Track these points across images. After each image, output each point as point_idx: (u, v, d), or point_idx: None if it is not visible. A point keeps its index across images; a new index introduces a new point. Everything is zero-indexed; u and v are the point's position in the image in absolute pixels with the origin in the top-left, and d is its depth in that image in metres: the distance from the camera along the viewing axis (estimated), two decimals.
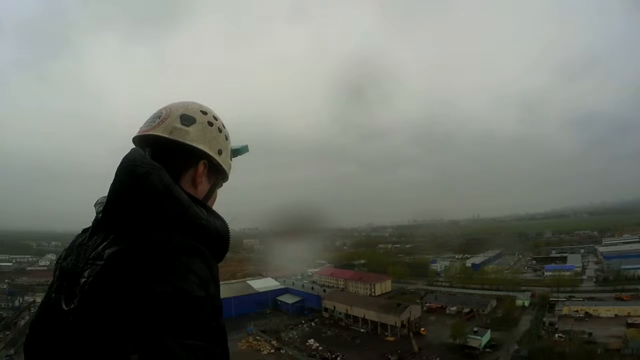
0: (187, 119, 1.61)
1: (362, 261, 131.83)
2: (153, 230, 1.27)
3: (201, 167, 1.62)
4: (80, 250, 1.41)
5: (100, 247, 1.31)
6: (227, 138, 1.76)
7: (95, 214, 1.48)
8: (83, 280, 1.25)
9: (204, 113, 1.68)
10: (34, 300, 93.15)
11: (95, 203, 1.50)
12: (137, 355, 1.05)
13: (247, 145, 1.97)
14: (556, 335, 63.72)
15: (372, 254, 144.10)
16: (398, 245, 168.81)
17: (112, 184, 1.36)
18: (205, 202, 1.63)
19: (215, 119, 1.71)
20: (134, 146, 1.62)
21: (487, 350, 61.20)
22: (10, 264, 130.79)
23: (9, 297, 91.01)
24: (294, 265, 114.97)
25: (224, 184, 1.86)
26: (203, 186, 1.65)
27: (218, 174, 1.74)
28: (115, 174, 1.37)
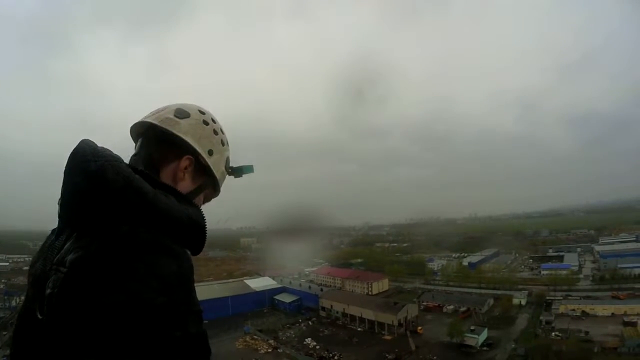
0: (181, 113, 1.57)
1: (359, 260, 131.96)
2: (115, 226, 1.15)
3: (185, 162, 1.53)
4: (47, 252, 1.31)
5: (64, 249, 1.20)
6: (223, 144, 1.68)
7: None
8: (48, 290, 1.14)
9: (202, 112, 1.63)
10: None
11: (58, 200, 1.33)
12: None
13: (252, 166, 1.84)
14: (553, 333, 63.72)
15: (369, 252, 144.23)
16: (395, 244, 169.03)
17: (64, 183, 1.24)
18: (189, 199, 1.48)
19: (214, 121, 1.65)
20: (131, 138, 1.61)
21: (484, 348, 61.19)
22: (7, 263, 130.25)
23: (5, 297, 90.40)
24: (291, 264, 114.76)
25: (213, 198, 1.77)
26: (185, 183, 1.54)
27: (206, 178, 1.63)
28: (65, 171, 1.23)
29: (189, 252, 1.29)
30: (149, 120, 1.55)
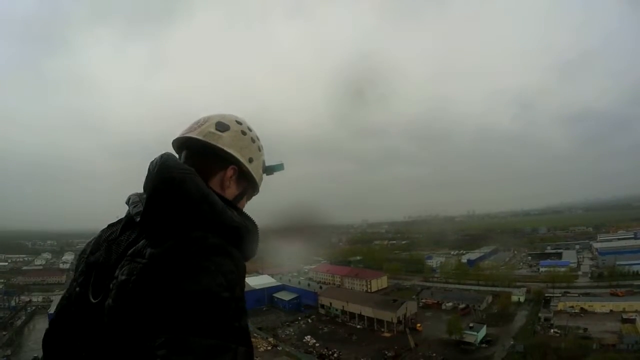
0: (221, 126, 1.72)
1: (358, 258, 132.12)
2: (189, 231, 1.32)
3: (230, 172, 1.70)
4: (111, 245, 1.53)
5: (140, 243, 1.37)
6: (260, 149, 1.83)
7: (127, 210, 1.58)
8: (123, 277, 1.31)
9: (239, 123, 1.78)
10: (30, 300, 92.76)
11: (128, 201, 1.61)
12: (164, 350, 1.13)
13: (282, 164, 1.98)
14: (551, 330, 63.96)
15: (368, 250, 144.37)
16: (394, 242, 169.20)
17: (149, 190, 1.43)
18: (236, 204, 1.71)
19: (250, 130, 1.80)
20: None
21: (483, 345, 61.40)
22: (6, 263, 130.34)
23: (5, 297, 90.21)
24: (290, 262, 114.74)
25: (253, 196, 1.92)
26: (231, 190, 1.72)
27: (247, 182, 1.79)
28: (151, 179, 1.43)
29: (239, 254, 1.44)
30: (193, 135, 1.69)
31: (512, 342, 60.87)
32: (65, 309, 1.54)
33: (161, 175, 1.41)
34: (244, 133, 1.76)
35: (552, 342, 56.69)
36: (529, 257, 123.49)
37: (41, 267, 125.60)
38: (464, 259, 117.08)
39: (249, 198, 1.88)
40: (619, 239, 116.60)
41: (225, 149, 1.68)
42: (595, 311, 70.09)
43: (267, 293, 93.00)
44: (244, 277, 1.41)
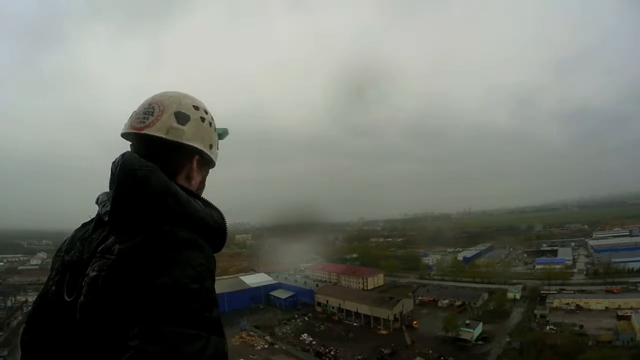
0: (182, 117, 1.65)
1: (354, 255, 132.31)
2: (158, 225, 1.35)
3: (195, 163, 1.71)
4: (84, 243, 1.54)
5: (109, 240, 1.41)
6: (215, 130, 1.81)
7: (97, 210, 1.58)
8: (93, 274, 1.35)
9: (197, 108, 1.71)
10: (26, 300, 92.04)
11: (97, 201, 1.59)
12: (137, 341, 1.16)
13: (226, 129, 1.96)
14: (547, 327, 64.11)
15: (364, 248, 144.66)
16: (390, 239, 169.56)
17: (115, 190, 1.45)
18: (199, 194, 1.70)
19: (206, 112, 1.75)
20: (125, 141, 1.71)
21: (479, 342, 61.47)
22: (2, 263, 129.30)
23: (0, 297, 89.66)
24: (287, 260, 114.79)
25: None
26: (196, 179, 1.73)
27: (207, 165, 1.81)
28: (117, 179, 1.45)
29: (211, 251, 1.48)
30: (153, 133, 1.60)
31: (508, 339, 61.04)
32: (42, 307, 1.55)
33: (124, 174, 1.43)
34: (203, 119, 1.71)
35: (548, 338, 56.79)
36: (525, 255, 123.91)
37: (37, 267, 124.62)
38: (460, 257, 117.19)
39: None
40: (614, 237, 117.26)
41: (191, 143, 1.65)
42: (591, 308, 70.31)
43: (263, 291, 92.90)
44: (214, 269, 1.42)
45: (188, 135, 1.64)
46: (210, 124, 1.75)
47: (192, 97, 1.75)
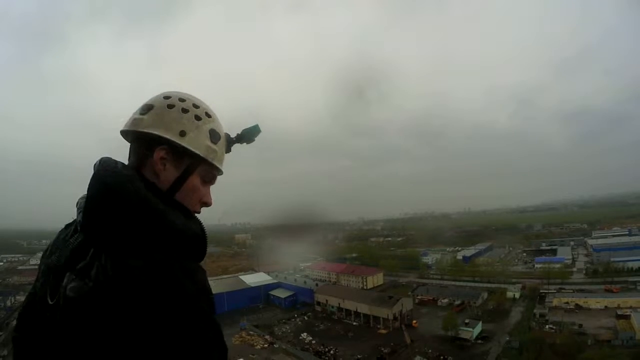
0: (145, 108, 1.52)
1: (354, 255, 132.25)
2: (137, 249, 1.25)
3: (159, 153, 1.46)
4: (63, 246, 1.43)
5: (88, 258, 1.29)
6: (199, 117, 1.54)
7: (77, 213, 1.45)
8: (71, 294, 1.24)
9: (167, 98, 1.54)
10: None
11: (76, 203, 1.47)
12: None
13: (257, 125, 1.74)
14: (547, 326, 64.17)
15: (364, 247, 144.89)
16: (390, 239, 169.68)
17: (88, 193, 1.35)
18: (174, 191, 1.50)
19: (182, 100, 1.54)
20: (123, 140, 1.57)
21: (479, 341, 61.49)
22: (1, 263, 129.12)
23: (0, 297, 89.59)
24: (286, 259, 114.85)
25: (217, 174, 1.66)
26: (167, 174, 1.48)
27: (191, 159, 1.52)
28: (88, 189, 1.35)
29: (196, 264, 1.38)
30: (122, 128, 1.54)
31: (507, 338, 61.04)
32: (31, 305, 1.47)
33: (94, 184, 1.34)
34: (170, 106, 1.51)
35: (547, 337, 56.84)
36: (524, 254, 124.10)
37: (37, 267, 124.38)
38: (460, 256, 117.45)
39: (208, 177, 1.61)
40: (613, 236, 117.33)
41: (147, 130, 1.46)
42: (590, 307, 70.40)
43: (263, 291, 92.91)
44: (202, 287, 1.31)
45: (146, 123, 1.48)
46: (185, 110, 1.52)
47: (178, 92, 1.58)
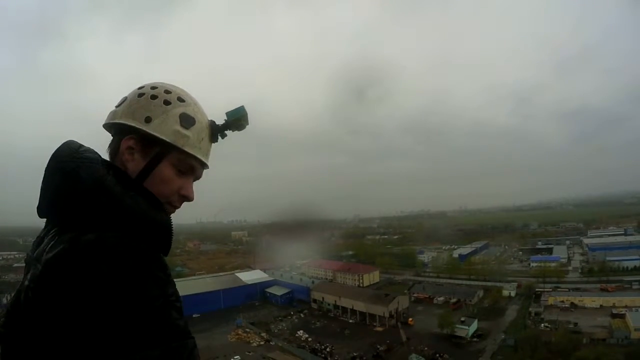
0: (121, 100, 1.49)
1: (350, 252, 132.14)
2: (82, 232, 1.18)
3: (126, 143, 1.41)
4: (35, 244, 1.39)
5: (44, 242, 1.28)
6: (168, 102, 1.45)
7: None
8: (26, 283, 1.22)
9: (139, 88, 1.48)
10: None
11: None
12: None
13: (242, 106, 1.56)
14: (542, 325, 64.28)
15: (360, 245, 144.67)
16: (386, 237, 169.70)
17: (43, 181, 1.31)
18: (141, 180, 1.41)
19: (153, 88, 1.47)
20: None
21: (474, 339, 61.60)
22: None
23: None
24: (283, 257, 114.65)
25: (203, 166, 1.55)
26: (135, 164, 1.41)
27: (158, 146, 1.42)
28: (45, 170, 1.31)
29: (154, 252, 1.28)
30: (103, 123, 1.52)
31: (503, 336, 61.20)
32: (16, 300, 1.32)
33: (51, 167, 1.31)
34: (140, 95, 1.45)
35: (542, 336, 56.88)
36: (520, 252, 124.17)
37: None
38: (456, 254, 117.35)
39: (186, 168, 1.48)
40: (609, 235, 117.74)
41: (118, 121, 1.42)
42: (586, 306, 70.59)
43: (259, 288, 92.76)
44: (154, 273, 1.22)
45: (119, 114, 1.44)
46: (154, 97, 1.44)
47: (159, 82, 1.51)
